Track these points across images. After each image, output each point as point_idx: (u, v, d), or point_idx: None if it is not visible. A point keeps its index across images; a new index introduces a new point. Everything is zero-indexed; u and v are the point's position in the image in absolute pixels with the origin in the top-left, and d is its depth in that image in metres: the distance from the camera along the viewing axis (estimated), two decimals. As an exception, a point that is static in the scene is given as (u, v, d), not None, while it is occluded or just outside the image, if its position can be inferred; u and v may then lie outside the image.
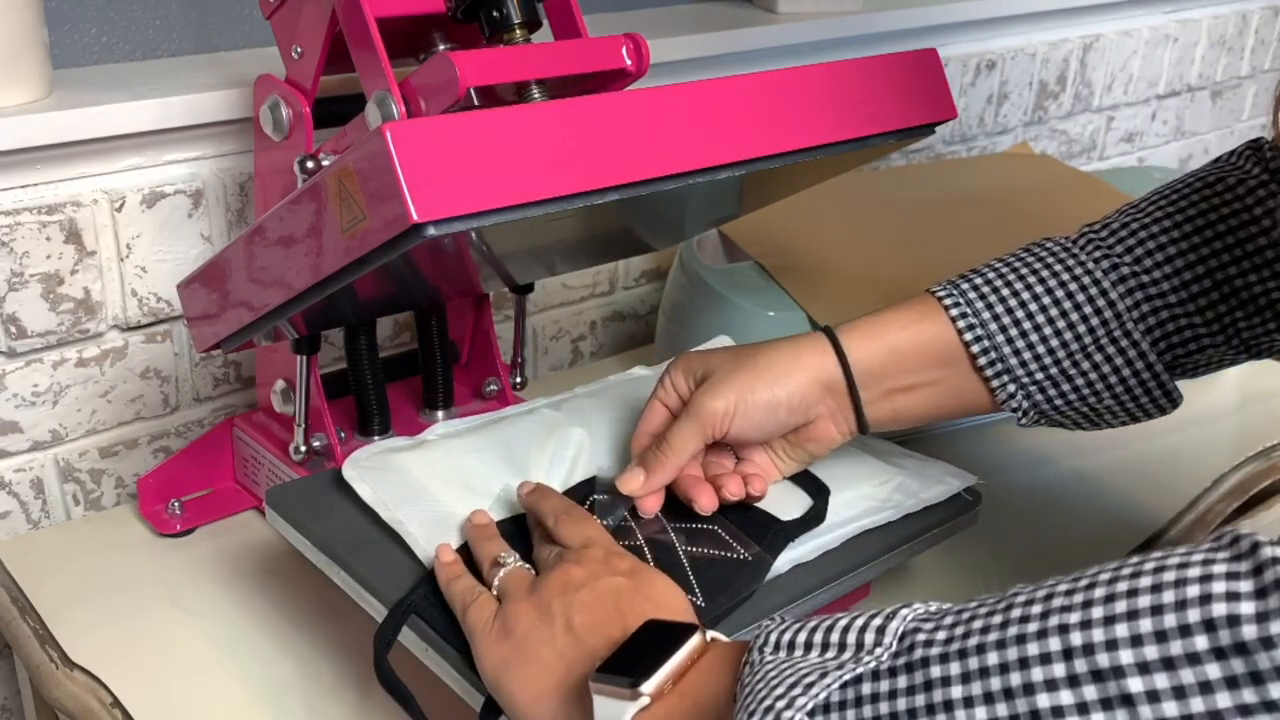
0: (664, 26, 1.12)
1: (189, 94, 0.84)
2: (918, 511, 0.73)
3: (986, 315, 0.68)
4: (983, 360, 0.68)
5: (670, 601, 0.57)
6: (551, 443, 0.74)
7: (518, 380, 0.93)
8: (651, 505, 0.68)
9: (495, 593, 0.59)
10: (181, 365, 0.92)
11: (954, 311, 0.69)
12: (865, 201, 1.15)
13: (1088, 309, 0.68)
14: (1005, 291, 0.68)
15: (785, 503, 0.70)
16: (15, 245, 0.81)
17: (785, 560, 0.67)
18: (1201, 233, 0.68)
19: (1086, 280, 0.68)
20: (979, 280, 0.70)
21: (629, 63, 0.72)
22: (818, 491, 0.71)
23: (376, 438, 0.86)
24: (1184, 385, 0.71)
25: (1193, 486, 0.95)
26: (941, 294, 0.69)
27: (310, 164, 0.73)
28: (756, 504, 0.69)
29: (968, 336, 0.68)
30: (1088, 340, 0.68)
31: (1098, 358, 0.68)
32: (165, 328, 0.91)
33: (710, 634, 0.52)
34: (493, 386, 0.92)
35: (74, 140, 0.80)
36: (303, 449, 0.81)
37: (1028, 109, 1.50)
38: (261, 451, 0.85)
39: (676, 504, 0.69)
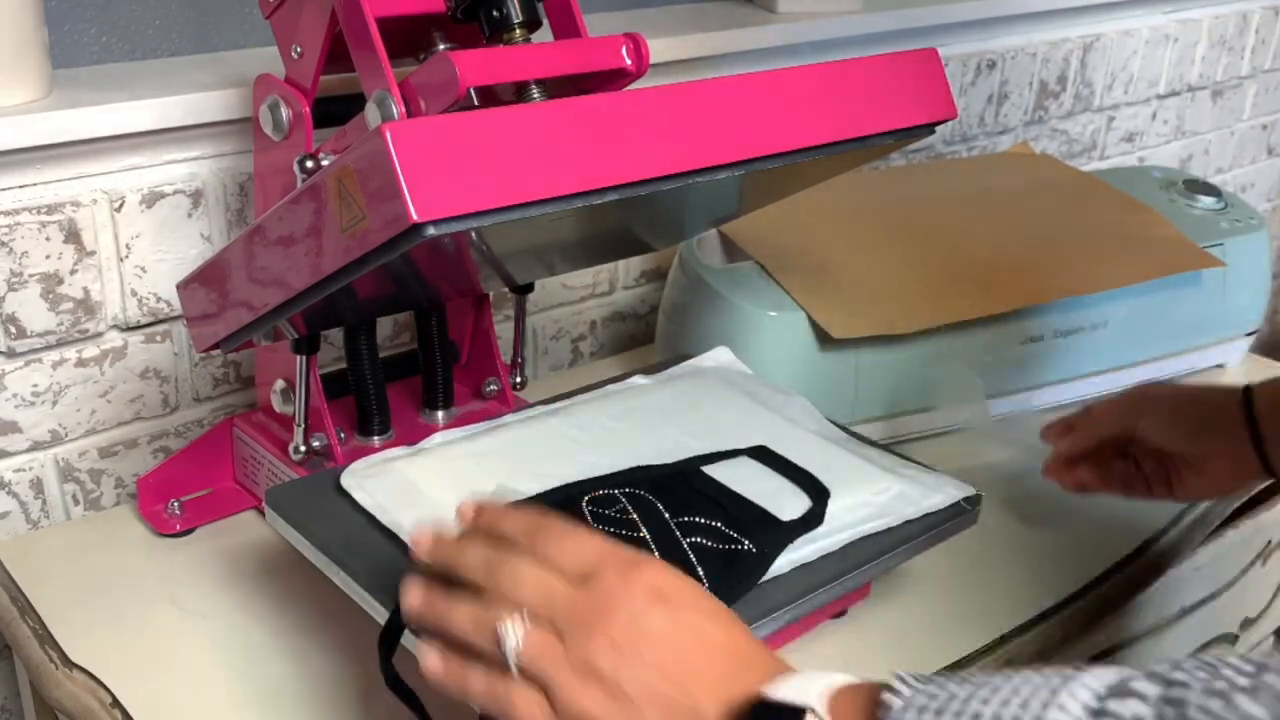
0: (664, 26, 1.12)
1: (188, 94, 0.84)
2: (917, 517, 0.73)
3: None
4: None
5: (707, 607, 0.51)
6: (549, 449, 0.74)
7: (518, 380, 0.93)
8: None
9: (515, 669, 0.50)
10: (181, 365, 0.92)
11: None
12: (865, 201, 1.15)
13: None
14: None
15: (786, 504, 0.70)
16: (15, 245, 0.81)
17: (786, 561, 0.67)
18: None
19: None
20: None
21: (629, 63, 0.72)
22: (818, 494, 0.71)
23: (376, 438, 0.86)
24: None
25: (1193, 486, 0.95)
26: None
27: (310, 164, 0.73)
28: (756, 504, 0.69)
29: None
30: None
31: None
32: (165, 328, 0.91)
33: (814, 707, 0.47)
34: (493, 386, 0.92)
35: (74, 140, 0.80)
36: (303, 449, 0.81)
37: (1028, 109, 1.50)
38: (261, 451, 0.85)
39: (679, 498, 0.69)
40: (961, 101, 1.41)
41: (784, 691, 0.47)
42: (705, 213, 0.83)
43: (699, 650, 0.49)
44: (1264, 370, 1.18)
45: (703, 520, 0.67)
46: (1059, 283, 1.03)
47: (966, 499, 0.75)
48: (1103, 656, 0.93)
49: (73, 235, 0.83)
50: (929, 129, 0.74)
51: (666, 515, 0.67)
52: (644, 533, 0.66)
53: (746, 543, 0.66)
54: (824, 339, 0.95)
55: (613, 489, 0.69)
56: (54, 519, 0.91)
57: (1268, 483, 0.82)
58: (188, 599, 0.79)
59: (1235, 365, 1.17)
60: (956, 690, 0.43)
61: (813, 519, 0.69)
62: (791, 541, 0.68)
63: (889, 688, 0.44)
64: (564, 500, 0.68)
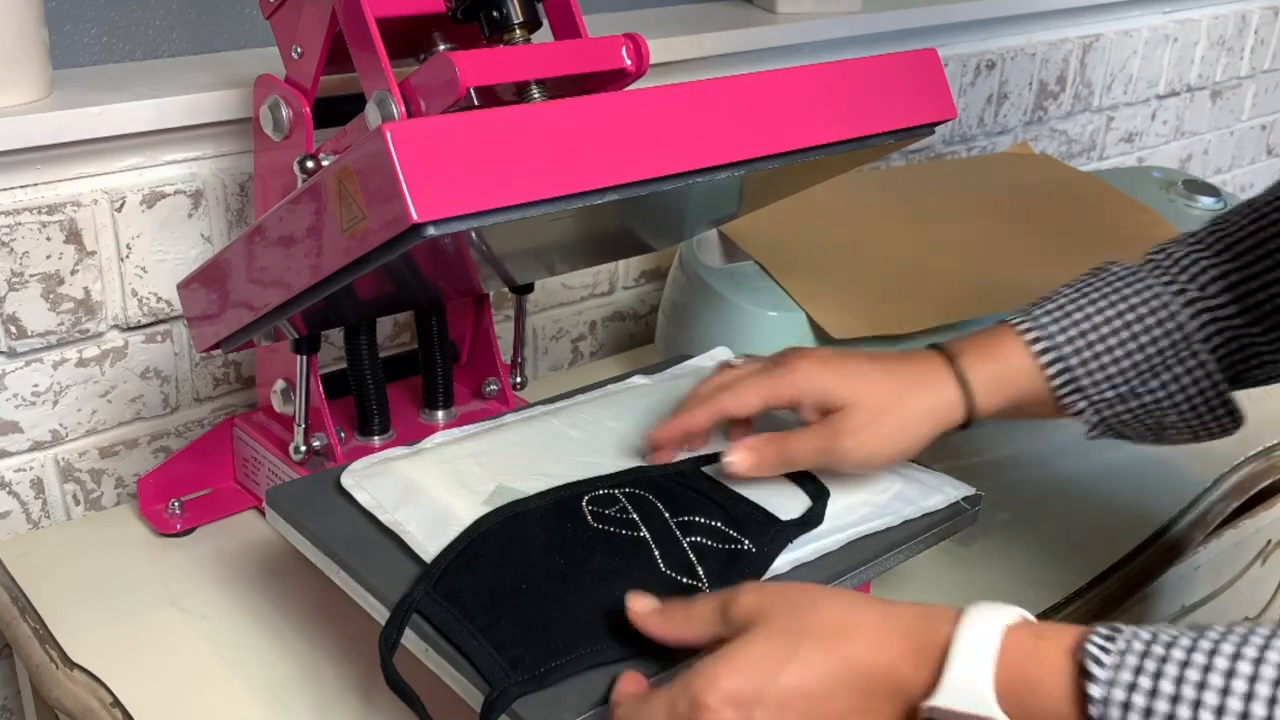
0: (664, 26, 1.12)
1: (189, 94, 0.84)
2: (917, 517, 0.73)
3: (1061, 339, 0.71)
4: (1057, 382, 0.70)
5: (789, 668, 0.50)
6: (549, 448, 0.74)
7: (518, 380, 0.93)
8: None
9: None
10: (181, 365, 0.92)
11: (1029, 335, 0.71)
12: (865, 201, 1.15)
13: (1157, 331, 0.70)
14: (1078, 315, 0.71)
15: (785, 503, 0.70)
16: (15, 245, 0.81)
17: (786, 561, 0.67)
18: (1261, 261, 0.70)
19: (1156, 304, 0.70)
20: (1052, 306, 0.72)
21: (629, 63, 0.72)
22: (817, 494, 0.72)
23: (376, 438, 0.86)
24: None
25: (1193, 486, 0.95)
26: (1023, 328, 0.72)
27: (310, 164, 0.73)
28: (756, 504, 0.69)
29: (1044, 359, 0.70)
30: (1156, 360, 0.70)
31: (1165, 376, 0.70)
32: (165, 328, 0.91)
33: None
34: (493, 386, 0.92)
35: (74, 140, 0.80)
36: (303, 449, 0.81)
37: (1027, 109, 1.50)
38: (261, 451, 0.85)
39: (679, 498, 0.69)
40: (961, 102, 1.41)
41: (954, 700, 0.46)
42: (705, 213, 0.83)
43: (819, 713, 0.48)
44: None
45: (702, 520, 0.67)
46: (1058, 283, 1.02)
47: (966, 499, 0.76)
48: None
49: (73, 235, 0.83)
50: (929, 129, 0.74)
51: (666, 515, 0.67)
52: (644, 532, 0.66)
53: (746, 542, 0.66)
54: (824, 339, 0.95)
55: (613, 489, 0.69)
56: (54, 519, 0.91)
57: (1267, 482, 0.82)
58: (188, 599, 0.79)
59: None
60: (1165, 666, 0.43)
61: (812, 519, 0.69)
62: (791, 541, 0.68)
63: (1086, 672, 0.44)
64: (564, 500, 0.68)
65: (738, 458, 0.68)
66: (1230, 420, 0.71)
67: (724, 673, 0.50)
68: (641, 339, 1.22)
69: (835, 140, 0.68)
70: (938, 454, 0.94)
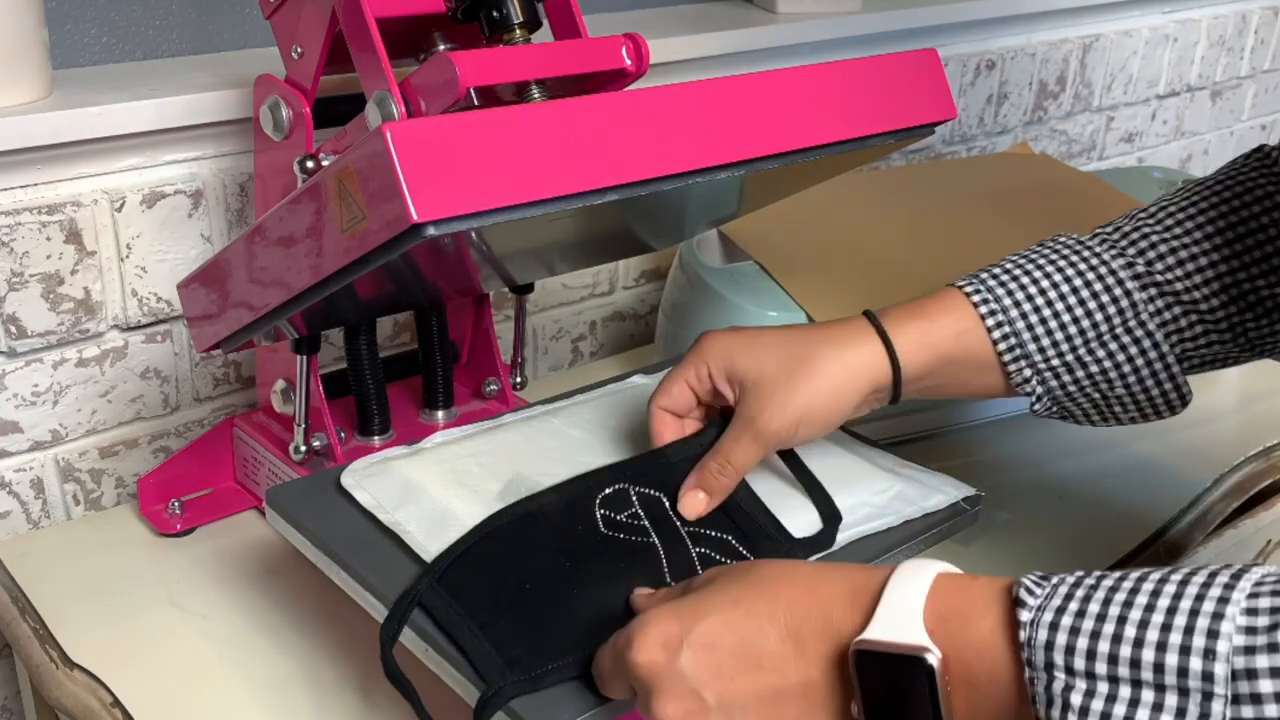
0: (664, 26, 1.12)
1: (189, 94, 0.84)
2: (917, 517, 0.73)
3: (1008, 301, 0.70)
4: (1002, 346, 0.70)
5: (713, 615, 0.52)
6: (548, 448, 0.74)
7: (518, 380, 0.93)
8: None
9: None
10: (181, 365, 0.92)
11: (975, 298, 0.71)
12: (865, 201, 1.15)
13: (1105, 297, 0.70)
14: (1025, 280, 0.71)
15: (798, 520, 0.70)
16: (15, 245, 0.81)
17: (786, 561, 0.67)
18: (1211, 239, 0.70)
19: (1103, 270, 0.70)
20: (998, 270, 0.72)
21: (629, 63, 0.72)
22: (831, 517, 0.71)
23: (376, 438, 0.86)
24: (1184, 385, 0.71)
25: (1193, 486, 0.95)
26: (969, 289, 0.71)
27: (310, 164, 0.74)
28: (770, 514, 0.69)
29: (989, 322, 0.70)
30: (1104, 327, 0.70)
31: (1112, 345, 0.70)
32: (165, 328, 0.91)
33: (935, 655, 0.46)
34: (493, 386, 0.92)
35: (74, 140, 0.80)
36: (303, 449, 0.81)
37: (1027, 109, 1.50)
38: (261, 451, 0.85)
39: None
40: (961, 101, 1.41)
41: (884, 631, 0.47)
42: (705, 213, 0.83)
43: (748, 652, 0.50)
44: (1261, 367, 1.18)
45: (714, 533, 0.67)
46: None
47: (966, 499, 0.76)
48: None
49: (73, 235, 0.84)
50: (929, 129, 0.74)
51: (677, 522, 0.67)
52: (653, 538, 0.65)
53: (754, 559, 0.66)
54: (824, 339, 0.94)
55: (628, 484, 0.69)
56: (54, 519, 0.91)
57: (1267, 482, 0.81)
58: (188, 599, 0.79)
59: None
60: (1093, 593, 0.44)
61: (824, 540, 0.69)
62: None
63: (1018, 600, 0.45)
64: (576, 498, 0.67)
65: (691, 505, 0.67)
66: (1178, 397, 0.71)
67: (655, 616, 0.52)
68: (641, 339, 1.22)
69: (835, 140, 0.68)
70: (938, 454, 0.95)
